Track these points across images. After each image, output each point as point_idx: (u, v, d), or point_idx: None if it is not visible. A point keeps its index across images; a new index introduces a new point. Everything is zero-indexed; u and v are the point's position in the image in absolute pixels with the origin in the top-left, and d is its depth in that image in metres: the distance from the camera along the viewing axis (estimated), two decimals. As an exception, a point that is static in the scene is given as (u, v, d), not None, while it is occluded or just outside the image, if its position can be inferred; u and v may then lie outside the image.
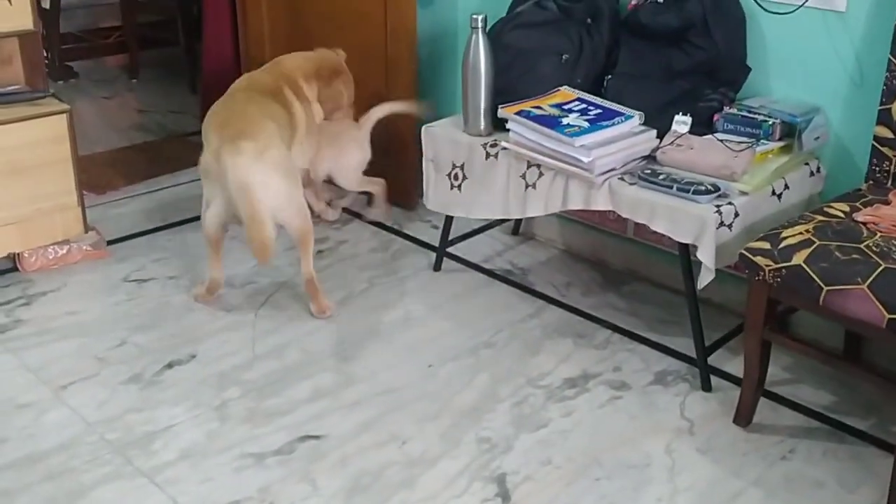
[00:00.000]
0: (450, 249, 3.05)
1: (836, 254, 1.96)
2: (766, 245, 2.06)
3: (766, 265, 2.03)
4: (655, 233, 2.86)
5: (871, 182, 2.31)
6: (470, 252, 3.12)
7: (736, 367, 2.50)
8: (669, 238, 2.33)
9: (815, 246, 2.00)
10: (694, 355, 2.52)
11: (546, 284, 2.96)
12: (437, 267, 3.03)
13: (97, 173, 3.69)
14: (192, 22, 4.60)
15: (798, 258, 1.99)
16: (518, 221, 3.23)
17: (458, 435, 2.24)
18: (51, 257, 2.95)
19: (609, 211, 2.76)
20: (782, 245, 2.03)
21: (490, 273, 3.03)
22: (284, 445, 2.19)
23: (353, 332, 2.68)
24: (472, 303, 2.86)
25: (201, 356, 2.54)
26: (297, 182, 2.68)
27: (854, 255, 1.95)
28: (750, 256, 2.07)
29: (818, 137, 2.42)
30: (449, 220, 2.91)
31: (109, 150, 4.01)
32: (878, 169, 2.29)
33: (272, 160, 2.56)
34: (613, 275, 3.03)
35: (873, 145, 2.29)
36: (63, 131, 2.83)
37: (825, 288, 1.93)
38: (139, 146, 4.11)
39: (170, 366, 2.49)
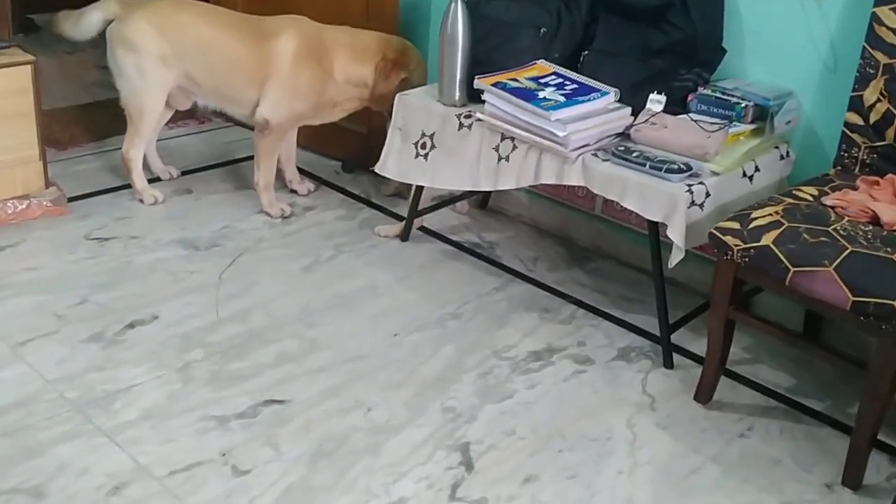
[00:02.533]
0: (417, 221, 3.03)
1: (805, 236, 1.99)
2: (736, 225, 2.08)
3: (735, 245, 2.05)
4: (623, 210, 2.89)
5: (839, 167, 2.34)
6: (438, 224, 3.11)
7: (697, 345, 2.55)
8: (637, 216, 2.35)
9: (783, 228, 2.02)
10: (657, 333, 2.55)
11: (513, 258, 2.97)
12: (404, 237, 3.02)
13: (59, 128, 3.60)
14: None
15: (767, 239, 2.01)
16: (486, 195, 3.23)
17: (423, 404, 2.24)
18: (9, 212, 2.88)
19: (578, 187, 2.78)
20: (752, 226, 2.06)
21: (457, 245, 3.03)
22: (248, 409, 2.17)
23: (318, 299, 2.66)
24: (438, 274, 2.85)
25: (164, 317, 2.50)
26: None
27: (822, 238, 1.98)
28: (719, 236, 2.09)
29: (790, 121, 2.44)
30: (418, 190, 2.89)
31: (72, 106, 3.92)
32: (846, 155, 2.32)
33: None
34: (580, 251, 3.05)
35: (843, 131, 2.32)
36: (27, 83, 2.76)
37: (792, 269, 1.96)
38: (102, 103, 4.00)
39: (131, 325, 2.46)
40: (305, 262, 2.85)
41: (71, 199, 3.06)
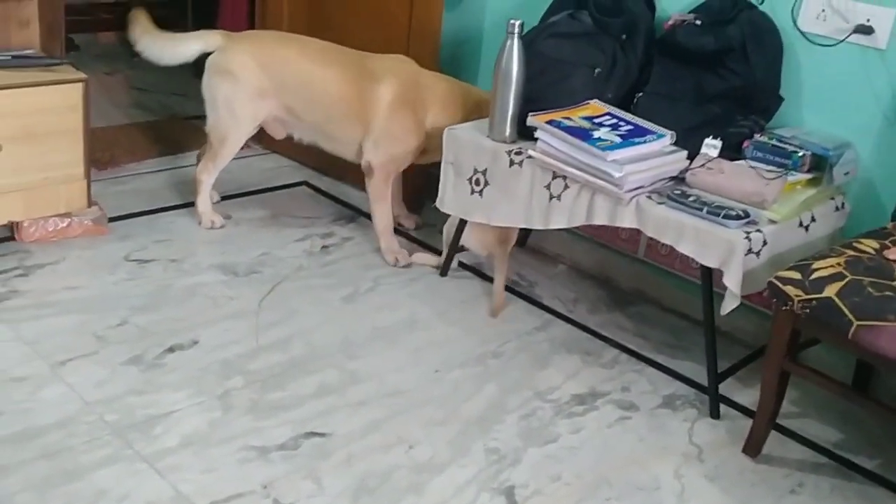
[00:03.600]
0: (457, 256, 3.00)
1: (869, 289, 1.95)
2: (797, 275, 2.04)
3: (796, 295, 2.01)
4: (667, 255, 2.86)
5: (897, 222, 2.30)
6: (475, 259, 3.08)
7: (743, 396, 2.50)
8: (682, 261, 2.31)
9: (847, 280, 1.98)
10: (701, 381, 2.51)
11: (553, 299, 2.93)
12: (443, 272, 2.99)
13: (98, 149, 3.59)
14: (204, 3, 4.53)
15: (830, 291, 1.97)
16: (526, 234, 3.20)
17: (466, 443, 2.20)
18: (50, 229, 2.87)
19: (620, 229, 2.75)
20: (813, 276, 2.02)
21: (497, 282, 2.99)
22: (289, 440, 2.13)
23: (358, 331, 2.62)
24: (478, 311, 2.82)
25: (204, 342, 2.47)
26: None
27: (887, 293, 1.93)
28: (779, 285, 2.05)
29: (847, 172, 2.41)
30: (461, 225, 2.87)
31: (111, 127, 3.93)
32: (906, 209, 2.28)
33: None
34: (620, 294, 3.01)
35: (904, 185, 2.28)
36: (77, 100, 2.76)
37: (856, 322, 1.91)
38: (141, 125, 4.03)
39: (171, 350, 2.42)
40: (345, 292, 2.82)
41: (110, 220, 3.04)
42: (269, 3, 3.64)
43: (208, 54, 3.01)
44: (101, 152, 3.57)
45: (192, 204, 3.19)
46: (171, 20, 5.15)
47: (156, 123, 4.08)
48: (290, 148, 3.25)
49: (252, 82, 2.95)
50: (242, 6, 3.83)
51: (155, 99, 4.38)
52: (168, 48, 3.02)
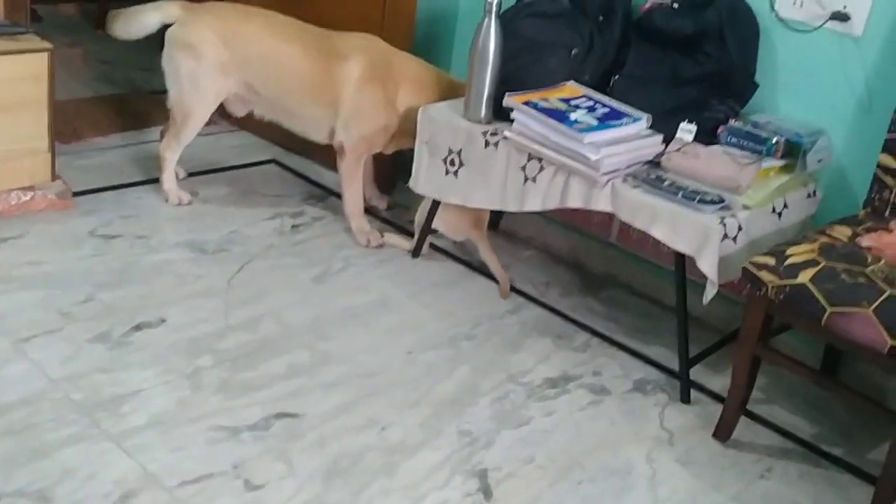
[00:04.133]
0: (429, 238, 2.98)
1: (843, 276, 1.96)
2: (771, 261, 2.05)
3: (770, 281, 2.02)
4: (639, 239, 2.86)
5: (869, 209, 2.32)
6: (448, 242, 3.06)
7: (714, 382, 2.52)
8: (652, 246, 2.30)
9: (821, 266, 1.99)
10: (672, 366, 2.53)
11: (525, 282, 2.92)
12: (415, 254, 2.96)
13: (61, 122, 3.49)
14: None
15: (804, 277, 1.98)
16: (499, 216, 3.18)
17: (438, 425, 2.18)
18: (13, 203, 2.79)
19: (592, 213, 2.74)
20: (788, 262, 2.03)
21: (469, 265, 2.97)
22: (260, 421, 2.10)
23: (329, 311, 2.59)
24: (451, 293, 2.80)
25: (172, 321, 2.43)
26: None
27: (860, 279, 1.95)
28: (754, 271, 2.06)
29: (821, 160, 2.42)
30: (434, 206, 2.84)
31: (74, 100, 3.83)
32: (877, 197, 2.30)
33: None
34: (592, 278, 3.01)
35: (876, 173, 2.30)
36: (42, 71, 2.68)
37: (830, 309, 1.93)
38: (106, 98, 3.94)
39: (138, 328, 2.37)
40: (316, 272, 2.79)
41: (75, 194, 2.97)
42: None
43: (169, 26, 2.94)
44: (65, 125, 3.48)
45: (157, 180, 3.12)
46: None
47: (120, 97, 3.99)
48: (258, 125, 3.18)
49: (214, 57, 2.88)
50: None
51: (119, 72, 4.28)
52: (129, 22, 2.95)
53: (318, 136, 2.99)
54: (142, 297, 2.51)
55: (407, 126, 2.83)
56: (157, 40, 3.01)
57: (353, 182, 2.97)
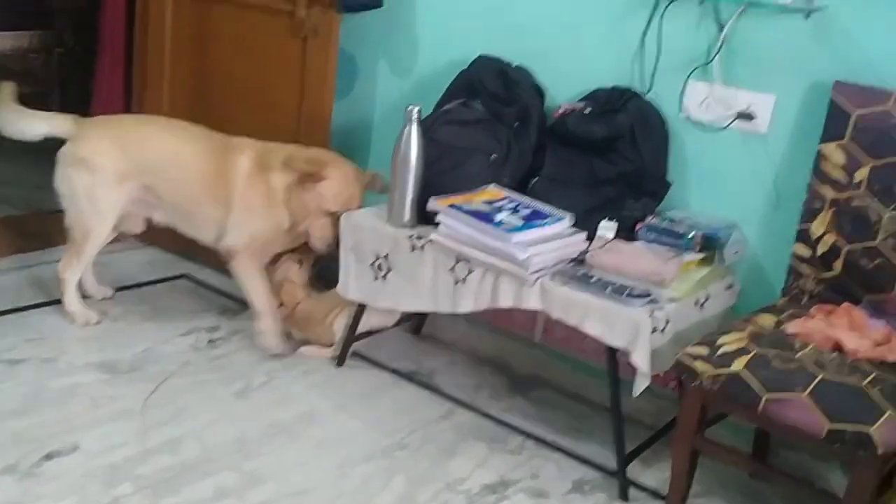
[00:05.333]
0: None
1: (774, 362, 1.99)
2: (704, 350, 2.07)
3: (705, 371, 2.04)
4: (564, 338, 2.88)
5: (787, 297, 2.39)
6: (371, 350, 3.00)
7: (648, 478, 2.50)
8: (576, 343, 2.30)
9: (753, 353, 2.03)
10: (607, 464, 2.50)
11: (453, 387, 2.87)
12: (340, 362, 2.89)
13: (-45, 244, 3.35)
14: (68, 99, 4.36)
15: (737, 365, 2.00)
16: (421, 321, 3.15)
17: (379, 541, 2.09)
18: None
19: (515, 314, 2.76)
20: (720, 352, 2.05)
21: (396, 372, 2.91)
22: (188, 549, 1.96)
23: (254, 428, 2.48)
24: (379, 402, 2.73)
25: (85, 447, 2.28)
26: None
27: (791, 365, 1.99)
28: (688, 362, 2.07)
29: (737, 252, 2.50)
30: (359, 312, 2.80)
31: (-32, 221, 3.67)
32: (794, 285, 2.38)
33: None
34: (520, 379, 2.99)
35: (791, 263, 2.38)
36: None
37: (765, 395, 1.95)
38: (2, 220, 3.78)
39: (49, 457, 2.22)
40: (237, 387, 2.68)
41: (-26, 318, 2.81)
42: (148, 89, 3.54)
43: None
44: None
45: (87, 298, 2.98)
46: (37, 101, 4.94)
47: (17, 218, 3.84)
48: (167, 240, 3.09)
49: (111, 167, 2.82)
50: (118, 90, 3.68)
51: (17, 194, 4.11)
52: (14, 121, 2.87)
53: (211, 239, 2.92)
54: (52, 423, 2.36)
55: (297, 220, 2.80)
56: (49, 159, 2.93)
57: (253, 276, 2.86)
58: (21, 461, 2.17)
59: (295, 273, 2.96)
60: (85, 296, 3.02)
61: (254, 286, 2.88)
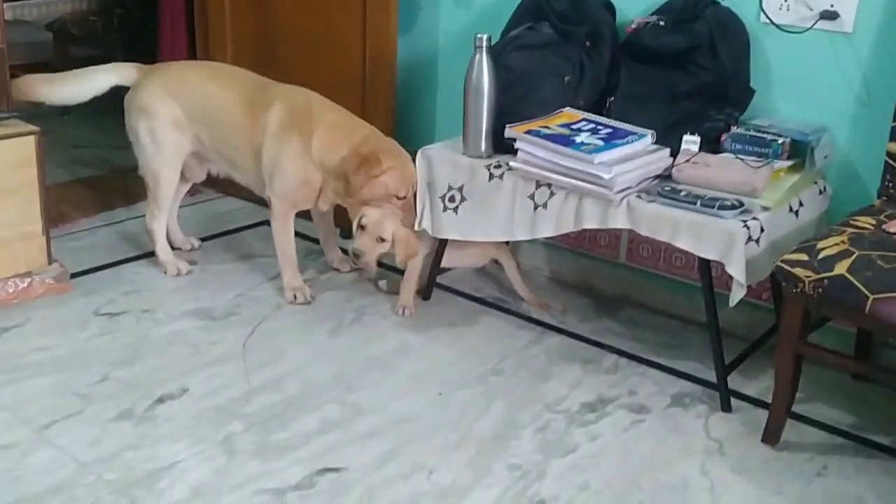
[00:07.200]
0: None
1: (879, 262, 1.95)
2: (804, 257, 2.04)
3: (807, 276, 2.01)
4: (648, 257, 2.86)
5: (884, 198, 2.33)
6: (456, 282, 3.02)
7: (749, 387, 2.49)
8: (664, 262, 2.27)
9: (855, 255, 1.99)
10: (705, 377, 2.50)
11: (541, 311, 2.88)
12: (426, 296, 2.92)
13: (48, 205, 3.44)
14: (132, 59, 4.40)
15: (840, 268, 1.97)
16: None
17: (486, 463, 2.12)
18: (10, 291, 2.71)
19: (600, 236, 2.73)
20: (821, 256, 2.02)
21: (482, 301, 2.93)
22: (303, 479, 2.03)
23: (351, 363, 2.53)
24: (468, 332, 2.75)
25: (194, 390, 2.35)
26: None
27: (896, 264, 1.94)
28: (788, 268, 2.04)
29: (826, 156, 2.44)
30: (442, 246, 2.81)
31: (54, 184, 3.74)
32: (891, 185, 2.31)
33: None
34: (606, 300, 2.98)
35: (886, 161, 2.31)
36: (30, 154, 2.63)
37: (871, 296, 1.91)
38: (86, 180, 3.88)
39: (161, 400, 2.29)
40: (329, 326, 2.73)
41: (72, 276, 2.89)
42: (211, 43, 3.55)
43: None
44: (50, 210, 3.41)
45: (152, 253, 3.05)
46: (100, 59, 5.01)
47: (99, 178, 3.94)
48: (242, 189, 3.10)
49: (166, 113, 2.85)
50: (182, 47, 3.71)
51: (95, 154, 4.22)
52: (77, 83, 2.92)
53: (258, 188, 2.90)
54: (158, 370, 2.43)
55: (331, 182, 2.72)
56: (117, 120, 2.98)
57: (281, 234, 2.84)
58: (136, 406, 2.26)
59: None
60: (173, 248, 3.09)
61: (279, 241, 2.85)
